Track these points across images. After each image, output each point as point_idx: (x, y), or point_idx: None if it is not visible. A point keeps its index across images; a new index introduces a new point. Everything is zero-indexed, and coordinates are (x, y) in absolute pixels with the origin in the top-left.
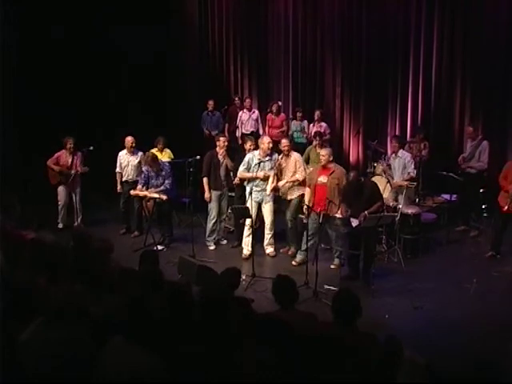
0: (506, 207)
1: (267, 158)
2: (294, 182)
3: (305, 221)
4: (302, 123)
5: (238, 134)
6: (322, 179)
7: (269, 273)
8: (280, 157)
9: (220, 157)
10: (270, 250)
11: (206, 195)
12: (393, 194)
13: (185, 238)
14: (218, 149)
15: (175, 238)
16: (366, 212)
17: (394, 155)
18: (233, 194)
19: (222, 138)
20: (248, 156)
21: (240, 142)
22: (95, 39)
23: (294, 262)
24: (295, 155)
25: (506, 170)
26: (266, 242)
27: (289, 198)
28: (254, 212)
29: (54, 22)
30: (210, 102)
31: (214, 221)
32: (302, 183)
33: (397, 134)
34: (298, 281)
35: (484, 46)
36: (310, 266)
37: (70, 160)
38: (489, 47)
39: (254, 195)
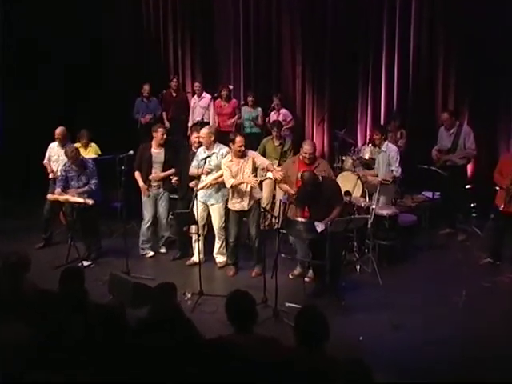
0: (502, 206)
1: (212, 152)
2: (242, 183)
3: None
4: (255, 110)
5: (189, 123)
6: None
7: (220, 289)
8: (228, 158)
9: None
10: (220, 259)
11: (142, 189)
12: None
13: (117, 250)
14: (154, 142)
15: (104, 250)
16: (325, 220)
17: (377, 148)
18: (175, 196)
19: (159, 130)
20: (198, 150)
21: (188, 130)
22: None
23: (253, 273)
24: (251, 154)
25: (501, 165)
26: (215, 250)
27: (248, 207)
28: (200, 215)
29: None
30: (146, 87)
31: (147, 225)
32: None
33: (369, 121)
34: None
35: (469, 16)
36: (268, 279)
37: None
38: (475, 18)
39: (199, 194)
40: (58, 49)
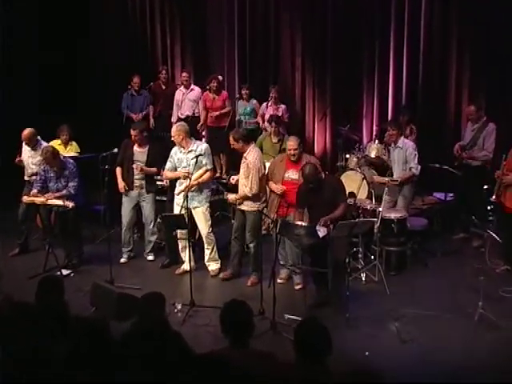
0: (494, 197)
1: (189, 150)
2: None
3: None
4: (250, 104)
5: (173, 118)
6: (291, 174)
7: (213, 299)
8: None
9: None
10: (213, 266)
11: (120, 186)
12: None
13: (99, 257)
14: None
15: (86, 258)
16: (326, 217)
17: (393, 146)
18: (163, 198)
19: (133, 132)
20: (173, 150)
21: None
22: None
23: (249, 282)
24: (249, 159)
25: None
26: (206, 258)
27: (243, 207)
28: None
29: None
30: (136, 79)
31: (124, 229)
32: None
33: (375, 116)
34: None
35: None
36: (265, 288)
37: None
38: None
39: (179, 198)
40: (35, 41)
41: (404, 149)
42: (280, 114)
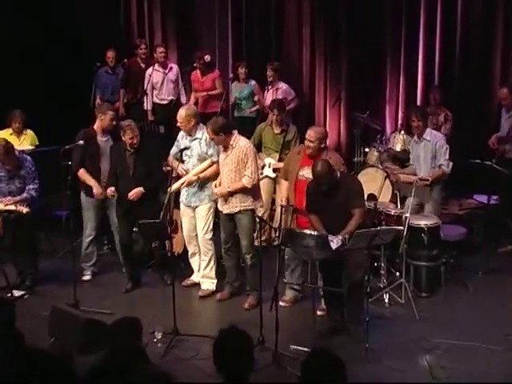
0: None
1: (194, 138)
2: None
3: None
4: (248, 85)
5: (148, 105)
6: (306, 173)
7: (201, 327)
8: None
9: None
10: (206, 285)
11: (96, 190)
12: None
13: (61, 275)
14: (98, 130)
15: (44, 275)
16: (340, 236)
17: (416, 139)
18: None
19: (109, 113)
20: (179, 134)
21: (150, 117)
22: None
23: (246, 304)
24: (242, 144)
25: None
26: (199, 272)
27: (229, 209)
28: (187, 224)
29: None
30: (109, 54)
31: (89, 239)
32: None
33: (401, 100)
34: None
35: None
36: (266, 312)
37: None
38: None
39: (182, 196)
40: None
41: (433, 142)
42: (281, 95)
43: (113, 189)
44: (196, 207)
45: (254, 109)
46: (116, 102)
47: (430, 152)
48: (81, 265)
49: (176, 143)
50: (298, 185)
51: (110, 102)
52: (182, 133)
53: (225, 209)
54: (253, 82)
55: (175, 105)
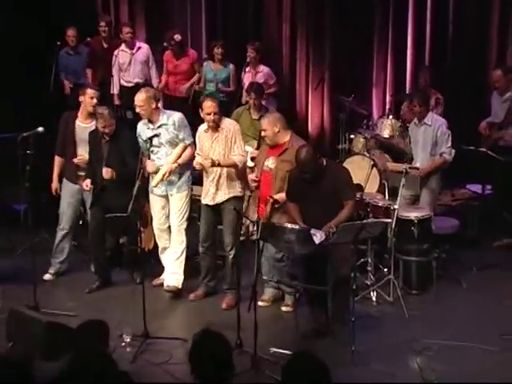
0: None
1: (159, 125)
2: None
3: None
4: (224, 68)
5: (114, 88)
6: (270, 163)
7: (174, 329)
8: (204, 127)
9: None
10: (171, 280)
11: (53, 185)
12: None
13: (19, 274)
14: (80, 111)
15: (1, 275)
16: (331, 224)
17: (416, 122)
18: None
19: (88, 92)
20: (138, 126)
21: (116, 101)
22: None
23: (224, 304)
24: (229, 124)
25: None
26: (169, 267)
27: (218, 200)
28: (159, 216)
29: None
30: (71, 33)
31: (63, 233)
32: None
33: (389, 82)
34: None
35: None
36: (244, 312)
37: None
38: None
39: (155, 191)
40: None
41: (434, 127)
42: (261, 79)
43: (88, 182)
44: (171, 195)
45: (229, 89)
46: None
47: (430, 138)
48: (50, 259)
49: (139, 137)
50: (262, 175)
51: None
52: (140, 124)
53: (209, 201)
54: (231, 66)
55: (144, 88)
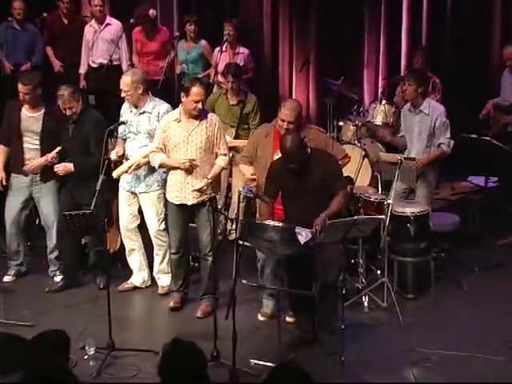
0: None
1: (142, 112)
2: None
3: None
4: (197, 45)
5: (83, 69)
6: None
7: (142, 340)
8: (173, 116)
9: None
10: (164, 280)
11: None
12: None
13: None
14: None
15: None
16: (324, 215)
17: (410, 108)
18: None
19: (21, 88)
20: (123, 108)
21: (82, 82)
22: None
23: (199, 312)
24: (212, 116)
25: None
26: (155, 267)
27: (193, 201)
28: (125, 212)
29: None
30: (17, 5)
31: (11, 233)
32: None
33: (382, 64)
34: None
35: None
36: (221, 320)
37: None
38: None
39: (123, 180)
40: None
41: (432, 117)
42: (240, 62)
43: (53, 154)
44: (141, 193)
45: (204, 74)
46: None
47: (427, 129)
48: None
49: (120, 119)
50: None
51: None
52: (125, 105)
53: (177, 199)
54: (203, 42)
55: (108, 70)
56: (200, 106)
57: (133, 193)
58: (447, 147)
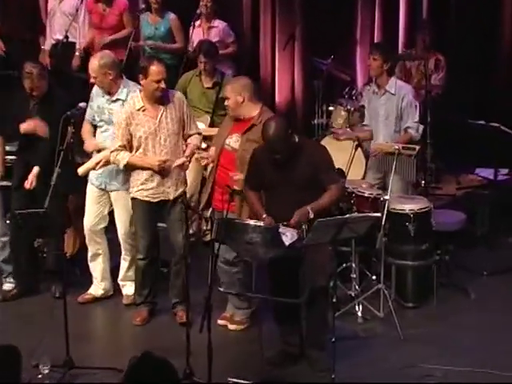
0: None
1: (114, 99)
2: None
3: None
4: (164, 19)
5: (47, 45)
6: (233, 142)
7: (104, 356)
8: (135, 105)
9: None
10: (129, 289)
11: None
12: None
13: None
14: None
15: None
16: (308, 208)
17: (375, 89)
18: (7, 184)
19: None
20: (93, 92)
21: (46, 59)
22: None
23: (178, 318)
24: (178, 95)
25: None
26: (120, 273)
27: (174, 194)
28: (93, 211)
29: None
30: None
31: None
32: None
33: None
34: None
35: None
36: (195, 333)
37: None
38: None
39: (92, 175)
40: None
41: (399, 96)
42: (215, 37)
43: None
44: (112, 191)
45: (177, 45)
46: None
47: (394, 110)
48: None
49: (90, 103)
50: (222, 155)
51: None
52: (94, 91)
53: (155, 196)
54: (171, 16)
55: (64, 47)
56: (163, 85)
57: (103, 189)
58: (416, 132)
